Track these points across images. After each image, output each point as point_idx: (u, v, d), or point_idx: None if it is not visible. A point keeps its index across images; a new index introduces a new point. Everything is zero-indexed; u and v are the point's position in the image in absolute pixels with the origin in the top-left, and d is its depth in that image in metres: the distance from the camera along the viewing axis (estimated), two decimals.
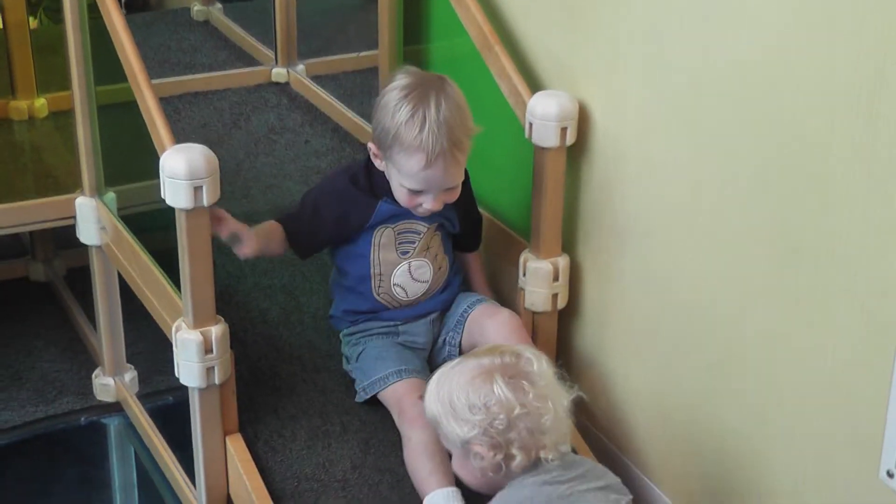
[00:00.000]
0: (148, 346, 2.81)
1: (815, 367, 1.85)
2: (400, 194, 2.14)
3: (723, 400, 2.08)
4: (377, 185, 2.19)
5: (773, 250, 1.89)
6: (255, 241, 2.15)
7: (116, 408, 2.75)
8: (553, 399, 1.83)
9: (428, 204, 2.13)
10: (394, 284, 2.24)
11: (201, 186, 1.97)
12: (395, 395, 2.17)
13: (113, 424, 2.74)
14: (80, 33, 2.42)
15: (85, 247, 2.81)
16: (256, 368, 2.32)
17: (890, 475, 1.71)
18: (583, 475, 1.85)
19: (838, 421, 1.83)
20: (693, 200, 2.06)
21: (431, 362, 2.29)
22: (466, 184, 2.23)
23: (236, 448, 2.16)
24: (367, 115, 2.97)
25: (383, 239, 2.21)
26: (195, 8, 3.79)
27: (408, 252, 2.23)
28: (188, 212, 1.99)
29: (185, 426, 2.25)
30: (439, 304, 2.29)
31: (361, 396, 2.24)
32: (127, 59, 2.21)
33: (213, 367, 2.08)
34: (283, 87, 3.29)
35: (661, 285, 2.18)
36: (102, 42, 2.40)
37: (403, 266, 2.23)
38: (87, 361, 2.89)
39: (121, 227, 2.44)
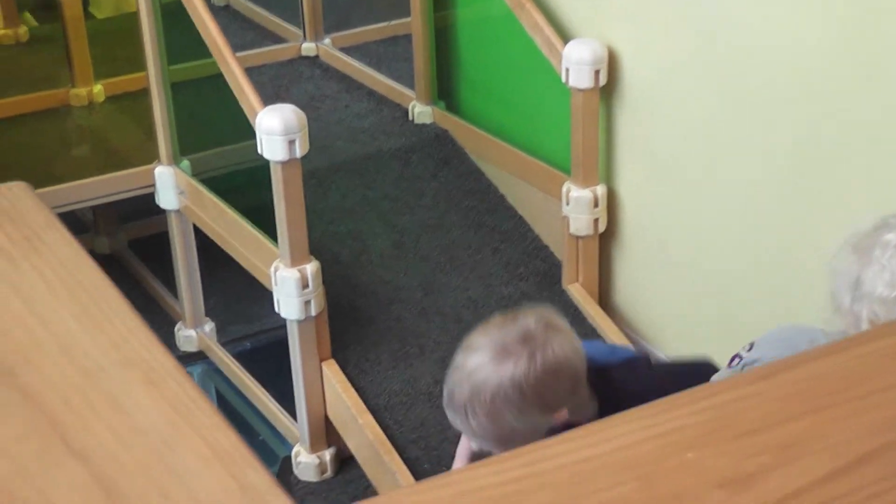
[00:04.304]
0: (219, 301, 3.08)
1: None
2: None
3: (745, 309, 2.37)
4: None
5: (790, 164, 2.19)
6: None
7: (198, 356, 3.02)
8: None
9: None
10: None
11: (294, 140, 2.24)
12: None
13: (196, 371, 3.00)
14: (153, 18, 2.67)
15: (144, 219, 3.07)
16: (337, 304, 2.59)
17: None
18: None
19: None
20: (714, 129, 2.35)
21: None
22: None
23: (332, 371, 2.44)
24: (399, 79, 3.26)
25: None
26: None
27: None
28: (284, 163, 2.26)
29: (268, 365, 2.52)
30: None
31: None
32: (210, 35, 2.47)
33: (309, 301, 2.36)
34: (313, 60, 3.53)
35: (689, 205, 2.48)
36: (173, 24, 2.66)
37: None
38: (166, 319, 3.14)
39: (203, 189, 2.69)
